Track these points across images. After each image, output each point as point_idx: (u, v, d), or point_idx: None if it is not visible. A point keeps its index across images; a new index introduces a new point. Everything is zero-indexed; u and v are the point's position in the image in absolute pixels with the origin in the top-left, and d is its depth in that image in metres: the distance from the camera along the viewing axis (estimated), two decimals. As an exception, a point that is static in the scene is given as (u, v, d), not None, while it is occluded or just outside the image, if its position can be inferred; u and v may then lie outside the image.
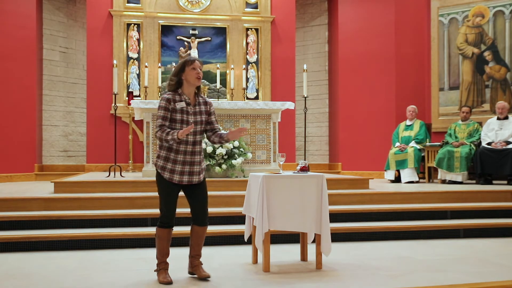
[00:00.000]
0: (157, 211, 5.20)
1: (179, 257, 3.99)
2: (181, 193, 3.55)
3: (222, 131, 3.64)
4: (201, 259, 3.60)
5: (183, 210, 4.05)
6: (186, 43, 9.61)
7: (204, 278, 3.50)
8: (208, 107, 3.60)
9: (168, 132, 3.37)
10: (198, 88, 3.60)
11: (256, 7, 9.84)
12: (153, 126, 6.95)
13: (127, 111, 9.19)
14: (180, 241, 4.50)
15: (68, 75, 9.86)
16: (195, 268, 3.57)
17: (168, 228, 3.50)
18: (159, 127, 3.44)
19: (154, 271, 3.52)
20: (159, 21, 9.55)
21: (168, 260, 3.54)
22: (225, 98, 9.46)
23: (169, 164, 3.45)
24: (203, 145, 6.57)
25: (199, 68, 3.50)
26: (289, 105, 7.21)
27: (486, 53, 8.71)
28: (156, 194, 5.63)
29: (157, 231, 3.50)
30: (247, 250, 4.43)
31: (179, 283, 3.43)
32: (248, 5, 9.83)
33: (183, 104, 3.48)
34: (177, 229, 4.92)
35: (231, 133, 3.54)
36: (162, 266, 3.50)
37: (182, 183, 3.46)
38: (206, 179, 6.39)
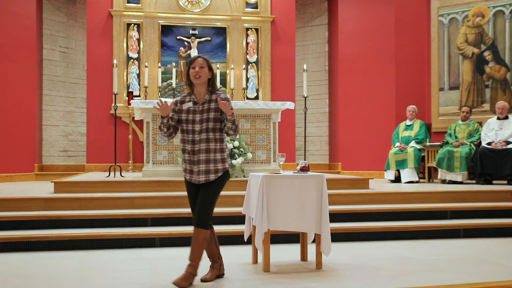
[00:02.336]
0: (157, 211, 5.24)
1: (177, 257, 3.99)
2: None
3: None
4: (199, 262, 3.36)
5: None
6: (186, 43, 9.61)
7: (173, 283, 3.25)
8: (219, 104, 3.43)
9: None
10: (212, 86, 3.48)
11: (256, 7, 9.84)
12: (153, 126, 6.96)
13: (127, 111, 9.19)
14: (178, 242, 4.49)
15: (68, 75, 9.86)
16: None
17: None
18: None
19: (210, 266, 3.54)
20: (159, 21, 9.55)
21: (184, 260, 3.41)
22: (225, 98, 9.45)
23: (183, 164, 3.51)
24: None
25: (198, 66, 3.40)
26: (289, 105, 7.21)
27: (486, 53, 8.71)
28: (156, 194, 5.67)
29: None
30: (247, 250, 4.43)
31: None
32: (248, 5, 9.83)
33: (190, 104, 3.46)
34: (180, 229, 4.93)
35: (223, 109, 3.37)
36: (211, 265, 3.53)
37: (191, 181, 3.45)
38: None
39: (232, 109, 3.37)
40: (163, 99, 3.54)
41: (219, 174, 3.42)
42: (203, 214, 3.40)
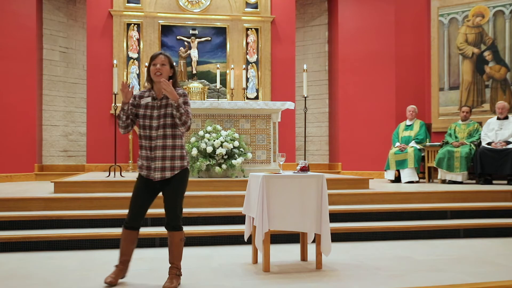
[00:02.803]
0: (156, 211, 5.22)
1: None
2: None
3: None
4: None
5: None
6: (186, 43, 9.61)
7: None
8: (183, 98, 3.37)
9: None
10: (174, 83, 3.40)
11: (256, 7, 9.84)
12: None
13: (127, 111, 9.17)
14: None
15: (68, 75, 9.86)
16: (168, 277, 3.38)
17: (128, 229, 3.41)
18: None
19: (114, 266, 3.45)
20: (159, 21, 9.55)
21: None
22: (225, 98, 9.47)
23: (139, 160, 3.42)
24: (203, 145, 6.60)
25: (160, 63, 3.34)
26: (289, 105, 7.21)
27: (486, 53, 8.71)
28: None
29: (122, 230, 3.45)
30: (247, 250, 4.43)
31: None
32: (248, 5, 9.83)
33: (148, 99, 3.38)
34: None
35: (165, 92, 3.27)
36: (118, 266, 3.41)
37: (148, 177, 3.36)
38: (207, 179, 6.44)
39: (184, 103, 3.30)
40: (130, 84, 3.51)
41: (176, 172, 3.34)
42: (175, 217, 3.37)
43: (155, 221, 5.07)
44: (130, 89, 3.37)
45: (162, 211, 5.18)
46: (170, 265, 3.43)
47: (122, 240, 3.46)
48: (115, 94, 7.25)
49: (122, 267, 3.44)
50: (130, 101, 3.39)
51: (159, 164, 3.32)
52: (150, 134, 3.34)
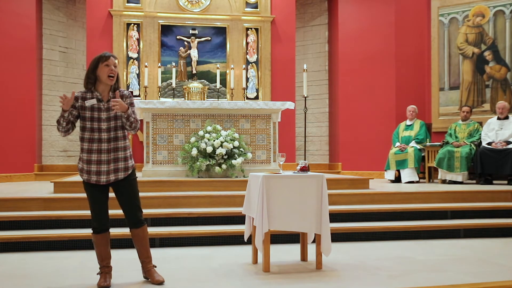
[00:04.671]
0: (157, 211, 5.23)
1: (177, 257, 3.97)
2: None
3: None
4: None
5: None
6: (186, 43, 9.61)
7: (159, 283, 3.35)
8: (125, 100, 3.35)
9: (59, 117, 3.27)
10: (117, 83, 3.36)
11: (256, 7, 9.84)
12: (153, 126, 6.94)
13: (127, 111, 9.16)
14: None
15: (67, 75, 9.86)
16: (148, 273, 3.45)
17: (100, 233, 3.41)
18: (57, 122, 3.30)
19: (97, 274, 3.42)
20: (159, 21, 9.55)
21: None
22: (225, 98, 9.46)
23: (85, 165, 3.32)
24: (203, 145, 6.59)
25: (113, 65, 3.29)
26: (289, 105, 7.21)
27: (486, 53, 8.71)
28: (155, 194, 5.66)
29: (92, 237, 3.43)
30: (247, 250, 4.43)
31: (177, 282, 3.42)
32: (248, 5, 9.82)
33: (93, 101, 3.29)
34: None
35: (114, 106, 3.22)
36: (103, 270, 3.40)
37: (98, 182, 3.32)
38: (207, 179, 6.43)
39: (130, 105, 3.31)
40: (67, 94, 3.45)
41: (129, 172, 3.39)
42: (139, 211, 3.45)
43: (155, 221, 5.07)
44: (70, 97, 3.25)
45: (162, 211, 5.22)
46: (143, 261, 3.45)
47: (97, 246, 3.42)
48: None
49: (108, 270, 3.43)
50: (72, 103, 3.28)
51: (112, 166, 3.32)
52: (100, 136, 3.29)
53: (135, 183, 3.44)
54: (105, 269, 3.41)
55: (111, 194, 3.47)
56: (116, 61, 3.35)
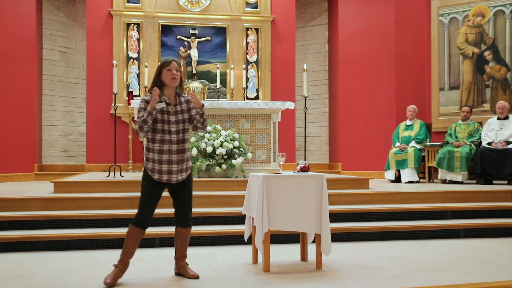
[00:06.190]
0: (157, 211, 5.21)
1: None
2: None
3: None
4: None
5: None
6: (186, 43, 9.61)
7: (194, 278, 3.50)
8: (190, 104, 3.58)
9: (142, 116, 3.39)
10: (180, 88, 3.58)
11: (256, 7, 9.84)
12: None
13: (127, 111, 9.18)
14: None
15: (68, 75, 9.86)
16: (182, 269, 3.57)
17: (138, 227, 3.45)
18: (137, 123, 3.44)
19: (113, 265, 3.44)
20: (159, 21, 9.55)
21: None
22: (225, 98, 9.46)
23: (156, 165, 3.46)
24: (203, 145, 6.60)
25: (175, 69, 3.49)
26: (289, 105, 7.21)
27: (486, 53, 8.71)
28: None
29: (130, 228, 3.46)
30: (247, 250, 4.43)
31: (177, 282, 3.42)
32: (248, 5, 9.82)
33: (163, 104, 3.47)
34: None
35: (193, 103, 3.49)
36: (119, 266, 3.42)
37: (170, 181, 3.48)
38: (207, 179, 6.43)
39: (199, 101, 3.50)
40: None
41: (188, 172, 3.58)
42: (190, 212, 3.61)
43: (155, 221, 5.05)
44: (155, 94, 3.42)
45: (162, 211, 5.19)
46: (178, 258, 3.59)
47: (129, 238, 3.46)
48: (115, 94, 7.24)
49: (123, 268, 3.44)
50: (143, 106, 3.45)
51: (180, 167, 3.50)
52: (170, 138, 3.47)
53: (191, 185, 3.61)
54: (121, 266, 3.43)
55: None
56: (181, 62, 3.51)
